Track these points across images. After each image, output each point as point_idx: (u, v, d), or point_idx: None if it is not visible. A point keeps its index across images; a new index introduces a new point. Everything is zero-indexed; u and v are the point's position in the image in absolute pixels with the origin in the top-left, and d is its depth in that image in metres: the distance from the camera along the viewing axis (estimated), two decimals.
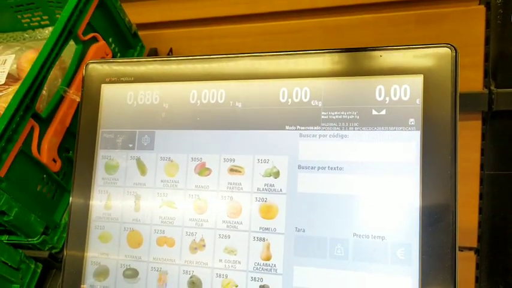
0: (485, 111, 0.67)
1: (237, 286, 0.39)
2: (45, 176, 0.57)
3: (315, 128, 0.39)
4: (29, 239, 0.55)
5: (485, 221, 0.72)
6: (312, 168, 0.39)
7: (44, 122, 0.56)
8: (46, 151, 0.56)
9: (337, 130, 0.38)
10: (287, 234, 0.39)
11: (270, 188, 0.40)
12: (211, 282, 0.40)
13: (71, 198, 0.44)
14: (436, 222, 0.35)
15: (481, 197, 0.71)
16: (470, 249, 0.73)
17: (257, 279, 0.39)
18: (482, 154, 0.70)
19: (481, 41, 0.66)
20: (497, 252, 0.74)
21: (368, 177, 0.37)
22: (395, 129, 0.37)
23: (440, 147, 0.36)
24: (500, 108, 0.66)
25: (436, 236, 0.35)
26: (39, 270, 0.55)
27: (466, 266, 0.73)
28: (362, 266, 0.37)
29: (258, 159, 0.40)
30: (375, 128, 0.38)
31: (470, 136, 0.68)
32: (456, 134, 0.36)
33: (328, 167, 0.38)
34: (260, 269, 0.39)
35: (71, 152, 0.59)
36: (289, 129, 0.40)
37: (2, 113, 0.51)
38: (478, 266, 0.73)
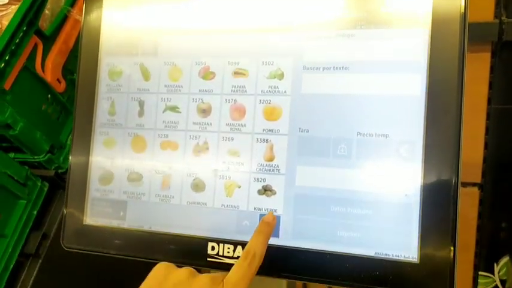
0: (495, 42, 0.66)
1: (240, 187, 0.39)
2: (49, 95, 0.57)
3: (321, 28, 0.38)
4: (35, 157, 0.55)
5: (491, 157, 0.72)
6: (317, 69, 0.38)
7: (48, 40, 0.55)
8: (50, 70, 0.56)
9: (344, 29, 0.38)
10: (290, 135, 0.38)
11: (274, 89, 0.39)
12: (214, 184, 0.40)
13: (75, 105, 0.44)
14: (441, 119, 0.35)
15: (487, 131, 0.70)
16: (473, 184, 0.73)
17: (260, 179, 0.39)
18: (490, 88, 0.69)
19: None
20: (501, 188, 0.74)
21: (374, 76, 0.37)
22: (403, 27, 0.36)
23: (449, 45, 0.35)
24: (510, 39, 0.65)
25: (440, 132, 0.35)
26: (45, 189, 0.56)
27: (469, 202, 0.73)
28: (365, 164, 0.36)
29: (263, 62, 0.40)
30: (383, 26, 0.37)
31: (478, 68, 0.67)
32: (465, 31, 0.35)
33: (334, 67, 0.38)
34: (263, 170, 0.39)
35: (75, 74, 0.59)
36: (294, 31, 0.39)
37: None
38: (481, 202, 0.73)
